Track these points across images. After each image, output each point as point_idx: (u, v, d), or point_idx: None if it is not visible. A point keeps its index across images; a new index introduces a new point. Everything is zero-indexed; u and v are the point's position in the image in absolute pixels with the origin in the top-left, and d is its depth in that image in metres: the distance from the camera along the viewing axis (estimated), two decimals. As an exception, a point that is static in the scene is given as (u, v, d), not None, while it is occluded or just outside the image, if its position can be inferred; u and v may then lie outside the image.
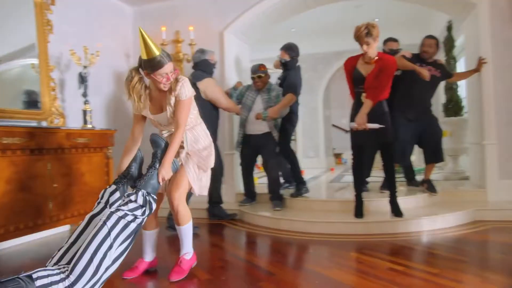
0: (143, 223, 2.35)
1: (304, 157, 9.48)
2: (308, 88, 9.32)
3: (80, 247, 2.11)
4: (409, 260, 2.93)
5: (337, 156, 10.25)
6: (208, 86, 4.11)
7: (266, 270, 2.87)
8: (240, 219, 4.48)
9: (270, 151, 4.48)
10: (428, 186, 4.37)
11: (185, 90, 2.56)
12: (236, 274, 2.83)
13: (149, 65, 2.46)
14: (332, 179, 6.76)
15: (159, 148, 2.58)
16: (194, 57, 4.40)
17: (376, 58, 3.63)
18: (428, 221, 3.75)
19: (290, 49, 4.68)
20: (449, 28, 5.76)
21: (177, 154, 2.68)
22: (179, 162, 2.69)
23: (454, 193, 4.60)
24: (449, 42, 5.78)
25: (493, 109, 4.43)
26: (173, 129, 2.66)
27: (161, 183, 2.50)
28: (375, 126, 3.60)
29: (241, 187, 5.02)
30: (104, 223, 2.15)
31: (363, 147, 3.85)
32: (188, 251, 2.73)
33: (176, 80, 2.56)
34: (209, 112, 4.12)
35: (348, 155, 9.85)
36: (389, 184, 3.88)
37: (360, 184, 3.91)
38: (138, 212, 2.28)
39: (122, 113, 5.31)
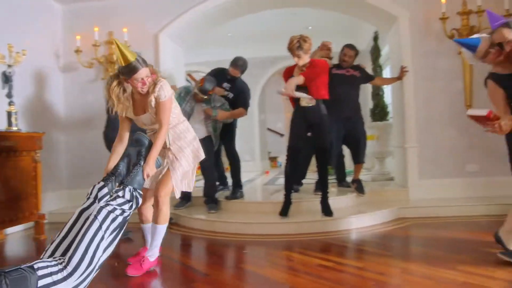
0: (129, 216, 2.51)
1: (241, 160, 9.58)
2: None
3: (74, 240, 2.26)
4: (338, 257, 3.09)
5: (272, 159, 10.46)
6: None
7: (200, 271, 2.91)
8: (176, 223, 4.45)
9: (208, 154, 4.48)
10: (357, 187, 4.61)
11: (164, 91, 2.69)
12: (170, 276, 2.83)
13: (125, 71, 2.63)
14: (267, 181, 6.90)
15: (143, 147, 2.73)
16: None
17: (308, 65, 3.82)
18: (356, 219, 3.97)
19: (242, 65, 4.71)
20: (376, 39, 6.15)
21: (164, 155, 2.89)
22: (161, 159, 2.88)
23: (380, 193, 4.90)
24: (376, 52, 6.16)
25: (414, 114, 4.79)
26: (157, 128, 2.78)
27: (146, 179, 2.68)
28: (303, 95, 3.77)
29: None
30: (95, 217, 2.32)
31: (299, 150, 4.00)
32: (153, 252, 2.84)
33: (155, 83, 2.70)
34: None
35: (283, 159, 10.14)
36: (321, 186, 4.05)
37: (290, 185, 4.04)
38: (126, 207, 2.47)
39: (50, 115, 5.09)
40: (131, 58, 2.60)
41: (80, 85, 5.30)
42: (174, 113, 2.85)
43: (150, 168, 2.67)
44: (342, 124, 4.54)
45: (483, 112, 2.49)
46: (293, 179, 4.09)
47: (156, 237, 2.83)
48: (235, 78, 4.71)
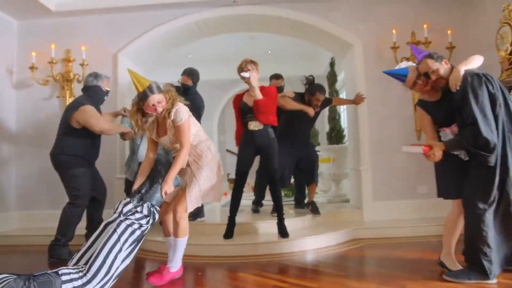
0: (147, 230, 2.70)
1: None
2: (204, 113, 9.46)
3: (95, 250, 2.49)
4: (293, 278, 3.10)
5: (232, 181, 10.42)
6: (79, 115, 3.86)
7: (155, 294, 2.84)
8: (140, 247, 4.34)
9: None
10: (312, 208, 4.70)
11: (180, 115, 2.88)
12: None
13: (139, 98, 2.88)
14: (225, 203, 6.85)
15: (163, 166, 2.94)
16: (86, 80, 4.12)
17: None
18: (312, 240, 4.02)
19: (193, 74, 4.64)
20: (332, 64, 6.37)
21: (184, 173, 3.05)
22: (180, 178, 3.04)
23: (335, 214, 4.99)
24: (332, 77, 6.38)
25: (367, 138, 4.96)
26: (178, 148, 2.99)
27: (164, 197, 2.86)
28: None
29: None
30: (115, 230, 2.54)
31: (246, 173, 4.04)
32: (175, 264, 3.03)
33: (171, 107, 2.89)
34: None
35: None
36: (276, 207, 4.10)
37: (234, 208, 4.04)
38: (143, 221, 2.67)
39: (0, 132, 4.90)
40: (143, 86, 2.83)
41: (34, 102, 5.14)
42: (192, 134, 3.02)
43: (168, 186, 2.84)
44: (297, 149, 4.67)
45: (419, 150, 2.73)
46: (238, 201, 4.06)
47: (177, 250, 3.03)
48: (188, 88, 4.63)
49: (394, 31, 4.78)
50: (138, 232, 2.63)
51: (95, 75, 4.08)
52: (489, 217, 2.59)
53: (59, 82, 5.02)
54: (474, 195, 2.62)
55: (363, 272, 3.36)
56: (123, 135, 4.20)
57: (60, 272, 2.34)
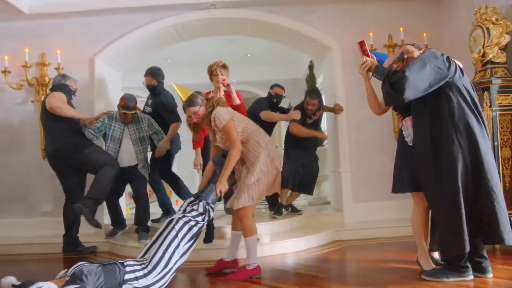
0: (203, 227, 3.00)
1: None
2: (183, 118, 9.38)
3: (157, 245, 2.81)
4: (273, 280, 3.09)
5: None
6: (50, 97, 4.03)
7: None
8: (109, 251, 4.27)
9: (141, 181, 4.36)
10: (292, 209, 4.80)
11: (219, 119, 3.03)
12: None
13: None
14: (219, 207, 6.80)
15: (218, 166, 3.12)
16: (54, 80, 4.26)
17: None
18: (293, 243, 4.02)
19: (155, 73, 4.61)
20: (311, 67, 6.42)
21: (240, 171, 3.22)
22: (234, 177, 3.23)
23: (316, 216, 5.01)
24: (311, 80, 6.43)
25: (346, 140, 4.99)
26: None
27: (218, 195, 3.05)
28: None
29: (107, 219, 4.81)
30: (173, 227, 2.85)
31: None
32: (251, 262, 3.08)
33: (210, 114, 3.07)
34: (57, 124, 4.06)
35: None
36: None
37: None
38: (199, 218, 2.93)
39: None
40: (182, 100, 3.20)
41: (7, 107, 4.99)
42: (239, 131, 3.11)
43: (222, 185, 3.03)
44: (303, 155, 4.80)
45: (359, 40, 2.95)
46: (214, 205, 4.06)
47: (248, 250, 3.10)
48: (154, 89, 4.61)
49: (371, 34, 4.83)
50: (195, 229, 2.90)
51: (63, 75, 4.31)
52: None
53: (34, 86, 4.90)
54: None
55: (343, 273, 3.37)
56: (84, 126, 4.23)
57: (125, 264, 2.70)
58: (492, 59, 3.71)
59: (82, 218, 4.01)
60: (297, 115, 4.58)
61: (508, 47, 3.75)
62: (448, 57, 2.69)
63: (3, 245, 4.40)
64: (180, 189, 4.79)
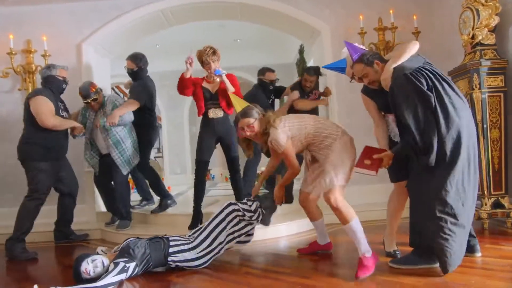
0: (251, 228, 3.15)
1: (171, 173, 9.43)
2: (173, 104, 9.33)
3: (205, 224, 3.10)
4: (266, 264, 3.13)
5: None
6: (32, 103, 3.84)
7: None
8: (102, 238, 4.28)
9: (116, 171, 4.23)
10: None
11: (277, 145, 2.85)
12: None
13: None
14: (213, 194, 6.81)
15: (267, 208, 3.22)
16: (41, 72, 4.12)
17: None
18: (285, 227, 4.06)
19: (137, 58, 4.53)
20: (301, 51, 6.38)
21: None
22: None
23: (308, 200, 5.02)
24: (301, 64, 6.39)
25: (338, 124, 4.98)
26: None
27: (276, 204, 3.22)
28: None
29: (102, 207, 4.80)
30: (223, 209, 3.08)
31: (206, 163, 4.03)
32: (365, 250, 2.68)
33: (265, 135, 2.90)
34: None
35: (216, 171, 10.11)
36: (236, 197, 4.06)
37: (198, 198, 4.03)
38: (248, 214, 3.06)
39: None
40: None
41: (-7, 96, 4.92)
42: (300, 140, 2.94)
43: (277, 195, 3.19)
44: None
45: (372, 173, 2.79)
46: (201, 192, 4.05)
47: (354, 236, 2.74)
48: (134, 73, 4.53)
49: (361, 17, 4.80)
50: (242, 224, 3.06)
51: (48, 66, 4.12)
52: None
53: (20, 74, 4.82)
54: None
55: (335, 256, 3.39)
56: (72, 131, 4.10)
57: (171, 238, 2.98)
58: (481, 41, 3.72)
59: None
60: (296, 95, 4.60)
61: (497, 28, 3.76)
62: (411, 75, 2.53)
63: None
64: (157, 185, 4.69)
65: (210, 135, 3.96)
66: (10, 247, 3.73)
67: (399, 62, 2.61)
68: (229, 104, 3.90)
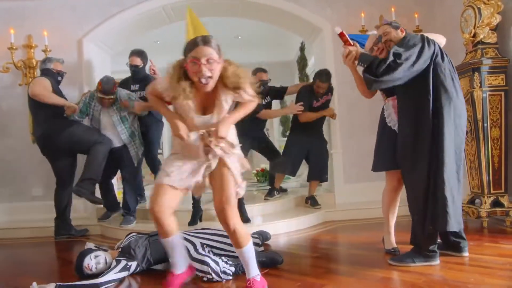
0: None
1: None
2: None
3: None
4: (266, 261, 3.12)
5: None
6: (33, 84, 3.98)
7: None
8: (101, 234, 4.28)
9: (129, 164, 4.28)
10: (312, 202, 4.67)
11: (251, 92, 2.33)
12: None
13: (184, 49, 2.23)
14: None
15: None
16: (39, 67, 4.23)
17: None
18: (284, 224, 4.05)
19: (143, 55, 4.55)
20: (302, 49, 6.38)
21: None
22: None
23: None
24: (302, 61, 6.38)
25: (338, 121, 5.00)
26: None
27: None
28: None
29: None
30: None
31: None
32: (256, 273, 2.32)
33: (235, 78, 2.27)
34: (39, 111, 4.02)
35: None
36: None
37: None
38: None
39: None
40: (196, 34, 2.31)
41: (-6, 90, 4.92)
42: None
43: (223, 130, 2.16)
44: (308, 140, 4.67)
45: (338, 31, 2.81)
46: None
47: (248, 260, 2.31)
48: (140, 71, 4.55)
49: (362, 15, 4.80)
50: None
51: (44, 60, 4.23)
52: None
53: (21, 69, 4.82)
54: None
55: (335, 253, 3.41)
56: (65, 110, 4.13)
57: None
58: (483, 40, 3.72)
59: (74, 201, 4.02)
60: (299, 108, 4.47)
61: (499, 27, 3.76)
62: (429, 41, 2.62)
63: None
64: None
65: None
66: (86, 187, 3.92)
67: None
68: None
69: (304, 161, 4.82)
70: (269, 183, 5.23)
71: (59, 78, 4.23)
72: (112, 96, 4.09)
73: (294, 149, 4.67)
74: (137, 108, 4.17)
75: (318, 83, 4.54)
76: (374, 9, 4.91)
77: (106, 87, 4.05)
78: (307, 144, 4.68)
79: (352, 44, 2.80)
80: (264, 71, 4.62)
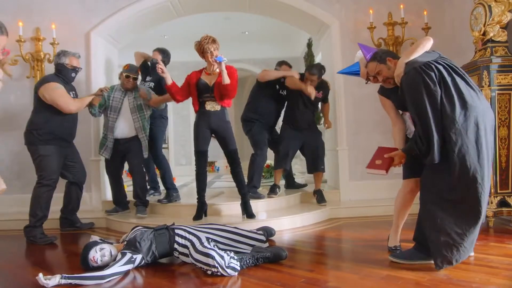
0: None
1: (176, 164, 9.46)
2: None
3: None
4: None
5: (210, 164, 10.41)
6: (45, 91, 3.84)
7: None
8: (107, 227, 4.30)
9: (138, 155, 4.37)
10: (318, 197, 4.66)
11: None
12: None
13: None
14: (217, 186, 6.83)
15: None
16: (53, 60, 4.18)
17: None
18: (289, 220, 4.05)
19: (165, 52, 4.78)
20: (309, 45, 6.35)
21: None
22: None
23: (313, 194, 5.01)
24: (309, 58, 6.36)
25: (344, 119, 4.98)
26: None
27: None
28: None
29: (109, 195, 4.83)
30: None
31: (205, 153, 4.02)
32: None
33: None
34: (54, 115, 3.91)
35: (220, 163, 10.13)
36: (239, 188, 4.03)
37: (201, 189, 4.02)
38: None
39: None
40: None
41: (1, 82, 4.93)
42: None
43: None
44: (302, 133, 4.69)
45: (382, 172, 2.78)
46: (203, 182, 4.04)
47: None
48: (154, 65, 4.61)
49: (371, 11, 4.77)
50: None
51: (58, 53, 4.09)
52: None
53: (29, 61, 4.84)
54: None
55: (339, 250, 3.40)
56: (90, 106, 4.23)
57: (176, 231, 2.91)
58: (492, 38, 3.68)
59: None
60: (313, 93, 4.47)
61: (510, 25, 3.71)
62: (422, 69, 2.51)
63: (4, 221, 4.43)
64: (164, 174, 4.77)
65: (204, 125, 3.94)
66: (28, 233, 3.78)
67: (412, 58, 2.59)
68: (223, 97, 3.89)
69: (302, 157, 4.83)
70: (285, 182, 5.25)
71: (73, 75, 4.07)
72: (136, 76, 4.42)
73: (286, 143, 4.68)
74: (152, 101, 4.42)
75: (307, 75, 4.55)
76: (383, 6, 4.88)
77: (133, 66, 4.45)
78: (300, 137, 4.69)
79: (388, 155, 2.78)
80: (288, 65, 4.85)
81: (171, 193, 4.65)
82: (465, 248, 2.50)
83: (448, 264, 2.49)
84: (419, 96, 2.48)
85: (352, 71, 3.14)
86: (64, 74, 4.00)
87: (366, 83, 2.96)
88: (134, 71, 4.39)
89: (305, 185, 5.22)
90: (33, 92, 4.01)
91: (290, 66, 4.86)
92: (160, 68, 3.84)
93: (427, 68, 2.51)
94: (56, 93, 3.85)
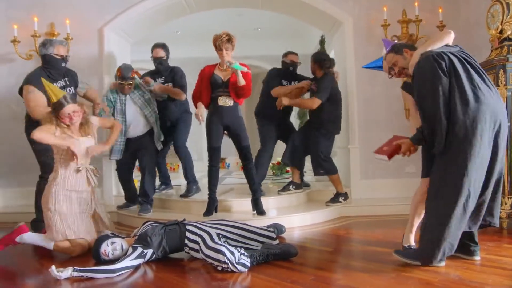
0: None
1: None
2: (191, 92, 9.35)
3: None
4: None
5: (221, 160, 10.41)
6: (24, 90, 3.84)
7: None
8: (118, 222, 4.34)
9: (149, 151, 4.36)
10: (343, 197, 4.55)
11: None
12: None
13: None
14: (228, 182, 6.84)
15: None
16: (39, 51, 4.01)
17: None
18: (299, 218, 4.05)
19: (165, 47, 4.72)
20: (322, 42, 6.31)
21: None
22: None
23: (324, 192, 4.97)
24: (322, 55, 6.30)
25: (356, 116, 4.95)
26: None
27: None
28: None
29: (120, 191, 4.86)
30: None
31: (218, 149, 4.01)
32: None
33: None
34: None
35: (231, 160, 10.12)
36: (250, 185, 4.02)
37: (212, 185, 4.01)
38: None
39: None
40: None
41: (17, 77, 4.92)
42: None
43: None
44: (304, 133, 4.67)
45: (384, 158, 2.80)
46: (215, 178, 4.03)
47: None
48: (162, 62, 4.67)
49: (385, 9, 4.72)
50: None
51: (44, 43, 3.90)
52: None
53: (43, 56, 4.88)
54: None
55: (349, 248, 3.39)
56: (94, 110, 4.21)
57: (187, 227, 2.92)
58: (509, 36, 3.62)
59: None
60: (307, 82, 4.54)
61: (527, 23, 3.64)
62: (440, 56, 2.49)
63: (11, 214, 4.51)
64: (185, 169, 4.79)
65: (217, 121, 3.92)
66: (35, 227, 3.80)
67: (429, 49, 2.58)
68: (238, 94, 3.89)
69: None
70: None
71: (63, 64, 3.94)
72: (130, 82, 4.25)
73: (294, 137, 4.69)
74: (157, 87, 4.43)
75: (289, 55, 4.67)
76: (397, 3, 4.82)
77: (125, 73, 4.21)
78: (306, 134, 4.63)
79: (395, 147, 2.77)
80: (295, 53, 4.79)
81: (191, 186, 4.68)
82: (449, 243, 2.48)
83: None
84: (424, 82, 2.49)
85: (376, 66, 3.11)
86: (52, 65, 3.89)
87: (390, 77, 2.91)
88: (126, 77, 4.21)
89: (308, 185, 5.16)
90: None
91: (296, 55, 4.79)
92: (145, 80, 3.96)
93: (439, 57, 2.49)
94: (29, 97, 3.77)
